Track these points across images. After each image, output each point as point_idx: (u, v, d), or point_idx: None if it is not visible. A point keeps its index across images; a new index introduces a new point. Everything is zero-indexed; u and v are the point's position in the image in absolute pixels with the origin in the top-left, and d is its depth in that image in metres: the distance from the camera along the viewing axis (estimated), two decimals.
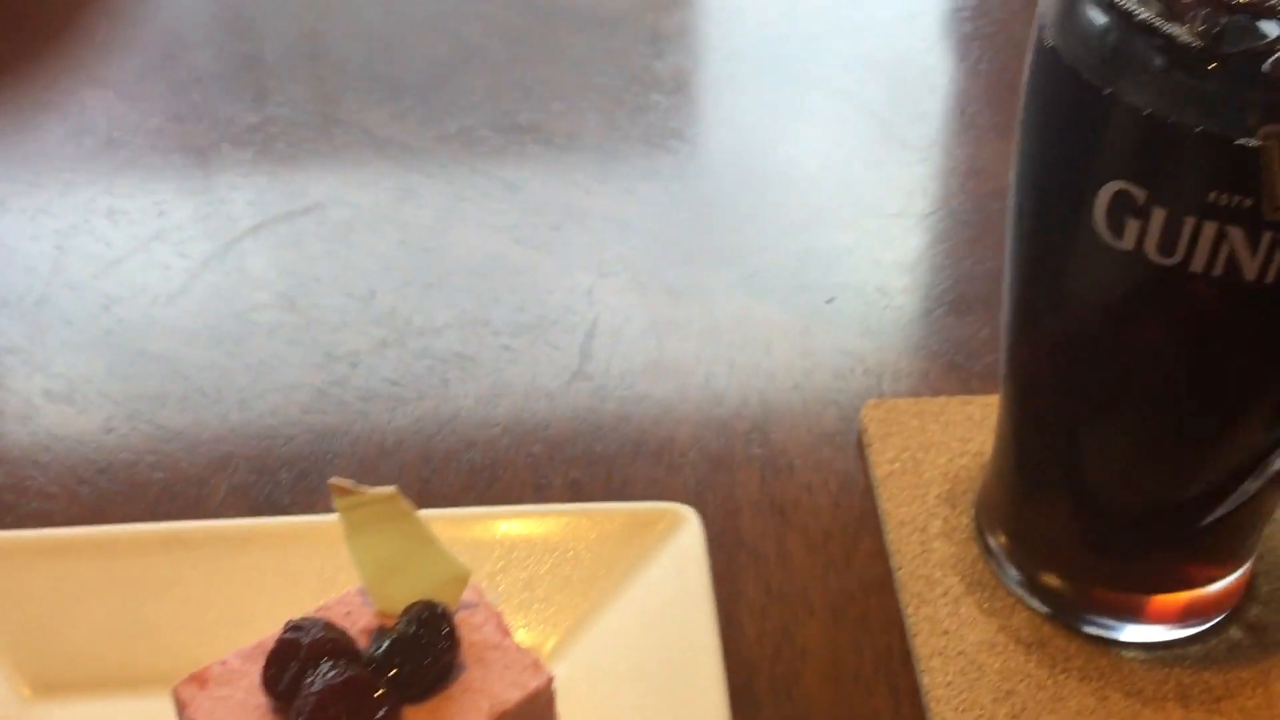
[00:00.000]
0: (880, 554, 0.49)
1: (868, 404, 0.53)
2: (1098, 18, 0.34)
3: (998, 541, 0.47)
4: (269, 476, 0.51)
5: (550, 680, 0.37)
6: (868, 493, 0.51)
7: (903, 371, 0.56)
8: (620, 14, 0.79)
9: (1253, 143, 0.31)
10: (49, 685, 0.42)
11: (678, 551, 0.45)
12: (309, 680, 0.34)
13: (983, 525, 0.48)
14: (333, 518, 0.39)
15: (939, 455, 0.51)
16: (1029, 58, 0.37)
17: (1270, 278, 0.33)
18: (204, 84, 0.73)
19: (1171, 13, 0.33)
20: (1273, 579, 0.47)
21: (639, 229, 0.64)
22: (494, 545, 0.45)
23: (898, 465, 0.51)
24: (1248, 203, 0.32)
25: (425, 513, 0.46)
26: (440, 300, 0.60)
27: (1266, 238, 0.32)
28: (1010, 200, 0.39)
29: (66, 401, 0.55)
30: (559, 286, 0.60)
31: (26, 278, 0.61)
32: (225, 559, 0.44)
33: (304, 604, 0.39)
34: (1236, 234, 0.33)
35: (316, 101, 0.72)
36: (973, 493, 0.49)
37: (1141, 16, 0.33)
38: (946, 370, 0.56)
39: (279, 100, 0.72)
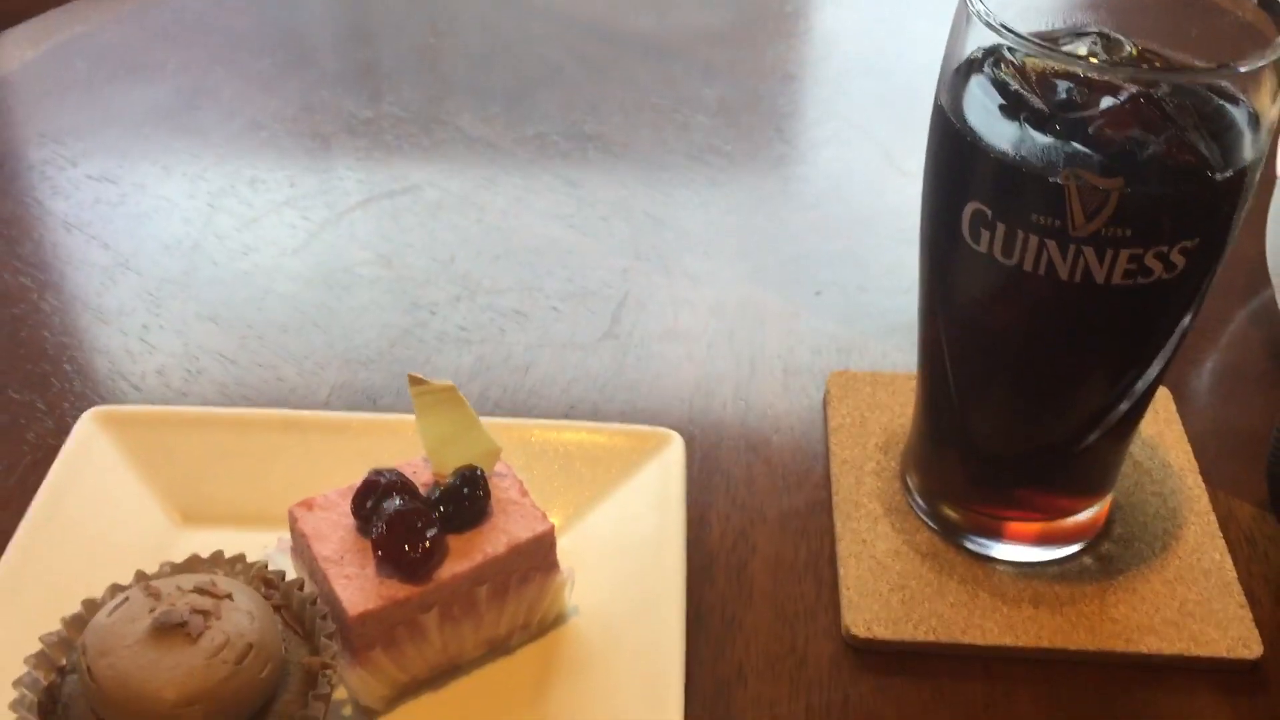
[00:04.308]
0: (825, 484, 0.62)
1: (832, 374, 0.68)
2: (966, 85, 0.48)
3: (911, 479, 0.61)
4: (362, 392, 0.67)
5: (552, 528, 0.51)
6: (823, 439, 0.65)
7: (868, 351, 0.70)
8: (679, 46, 0.94)
9: (1059, 180, 0.45)
10: (193, 516, 0.58)
11: (663, 463, 0.59)
12: (384, 508, 0.49)
13: (904, 467, 0.62)
14: (405, 418, 0.55)
15: (882, 415, 0.65)
16: (931, 111, 0.51)
17: (1078, 278, 0.47)
18: (330, 83, 0.89)
19: (1013, 87, 0.47)
20: (1125, 524, 0.60)
21: (671, 225, 0.78)
22: (527, 445, 0.60)
23: (849, 420, 0.65)
24: (1058, 223, 0.46)
25: (480, 419, 0.61)
26: (505, 269, 0.75)
27: (1071, 249, 0.46)
28: (921, 219, 0.53)
29: (213, 322, 0.70)
30: (601, 265, 0.75)
31: (185, 227, 0.77)
32: (325, 439, 0.59)
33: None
34: (1052, 245, 0.46)
35: (421, 103, 0.88)
36: (902, 444, 0.63)
37: (995, 89, 0.47)
38: (902, 351, 0.70)
39: (390, 100, 0.88)
